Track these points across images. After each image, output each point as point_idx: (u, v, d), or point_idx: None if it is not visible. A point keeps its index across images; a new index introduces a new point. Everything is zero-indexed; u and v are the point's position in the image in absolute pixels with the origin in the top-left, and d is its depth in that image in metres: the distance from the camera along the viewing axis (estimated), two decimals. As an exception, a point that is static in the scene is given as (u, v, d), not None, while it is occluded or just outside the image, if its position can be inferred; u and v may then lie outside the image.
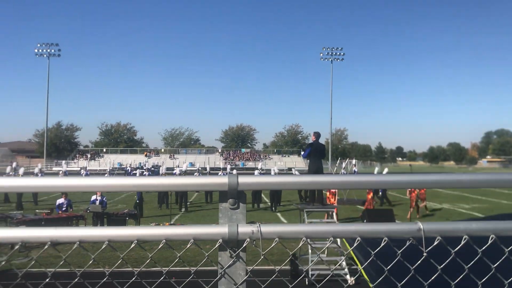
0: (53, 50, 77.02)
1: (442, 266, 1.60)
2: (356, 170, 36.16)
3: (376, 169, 32.64)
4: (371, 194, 21.21)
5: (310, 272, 10.23)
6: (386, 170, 34.70)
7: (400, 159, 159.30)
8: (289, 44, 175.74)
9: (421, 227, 1.55)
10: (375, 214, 13.02)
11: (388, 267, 1.59)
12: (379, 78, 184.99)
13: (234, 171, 31.51)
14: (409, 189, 20.76)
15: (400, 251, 1.58)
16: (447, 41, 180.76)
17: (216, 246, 1.51)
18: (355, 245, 1.52)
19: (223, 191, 1.55)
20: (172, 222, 18.66)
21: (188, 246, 1.52)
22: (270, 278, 1.68)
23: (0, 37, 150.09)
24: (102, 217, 16.07)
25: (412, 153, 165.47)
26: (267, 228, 1.51)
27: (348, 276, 10.29)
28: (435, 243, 1.55)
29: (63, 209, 16.34)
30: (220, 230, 1.51)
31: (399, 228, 1.56)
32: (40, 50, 76.93)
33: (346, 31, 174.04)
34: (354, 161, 41.56)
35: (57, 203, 16.73)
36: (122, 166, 42.48)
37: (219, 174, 26.44)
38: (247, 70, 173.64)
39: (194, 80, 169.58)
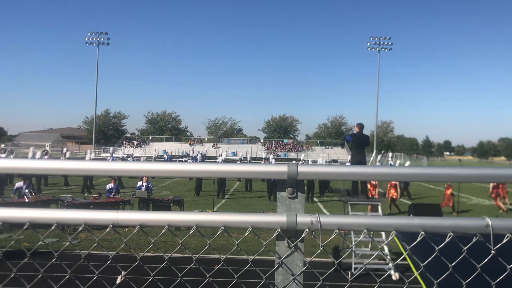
0: (102, 39, 79.18)
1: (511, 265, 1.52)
2: (391, 164, 35.38)
3: (398, 162, 31.88)
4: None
5: (353, 266, 10.12)
6: (408, 163, 33.93)
7: (447, 153, 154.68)
8: (336, 33, 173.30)
9: (490, 223, 1.47)
10: (422, 209, 12.67)
11: (453, 264, 1.53)
12: (427, 69, 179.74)
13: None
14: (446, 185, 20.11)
15: (466, 247, 1.51)
16: (500, 31, 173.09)
17: (274, 235, 1.50)
18: (418, 239, 1.47)
19: (282, 179, 1.53)
20: (214, 210, 18.90)
21: (246, 234, 1.51)
22: (326, 270, 1.65)
23: (52, 25, 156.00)
24: (148, 203, 16.47)
25: (460, 147, 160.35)
26: (326, 219, 1.48)
27: (392, 271, 10.10)
28: (504, 240, 1.47)
29: (112, 194, 16.86)
30: (278, 219, 1.49)
31: (465, 223, 1.49)
32: (90, 39, 79.27)
33: (395, 20, 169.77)
34: (390, 155, 40.69)
35: (107, 188, 17.29)
36: (167, 154, 43.46)
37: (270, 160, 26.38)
38: (292, 59, 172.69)
39: (239, 70, 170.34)
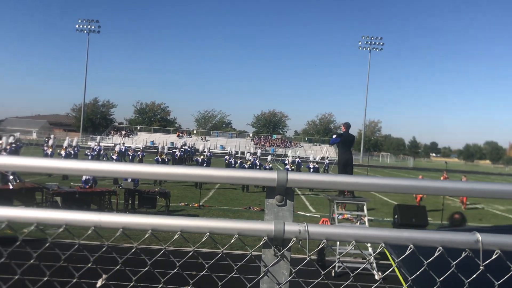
0: (93, 27, 78.40)
1: (499, 282, 1.51)
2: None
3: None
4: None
5: (336, 264, 10.16)
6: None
7: (434, 155, 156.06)
8: (328, 32, 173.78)
9: (479, 238, 1.45)
10: (407, 211, 12.75)
11: (441, 278, 1.51)
12: (417, 70, 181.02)
13: (270, 157, 31.28)
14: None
15: (455, 262, 1.49)
16: (490, 32, 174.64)
17: (261, 243, 1.46)
18: (407, 253, 1.44)
19: (271, 186, 1.50)
20: (201, 203, 18.84)
21: (231, 241, 1.48)
22: (313, 278, 1.62)
23: (43, 11, 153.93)
24: (134, 194, 16.35)
25: (447, 149, 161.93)
26: (315, 229, 1.45)
27: (375, 271, 10.16)
28: (493, 256, 1.45)
29: (89, 185, 16.42)
30: (266, 227, 1.45)
31: (455, 238, 1.47)
32: (81, 26, 78.37)
33: (386, 20, 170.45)
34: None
35: (82, 179, 16.93)
36: (155, 145, 42.93)
37: (247, 157, 26.09)
38: (283, 56, 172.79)
39: (229, 63, 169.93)
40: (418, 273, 1.50)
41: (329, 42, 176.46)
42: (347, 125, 12.02)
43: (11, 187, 14.66)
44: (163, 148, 32.02)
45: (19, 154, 26.27)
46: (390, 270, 1.78)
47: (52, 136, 34.95)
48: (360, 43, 78.55)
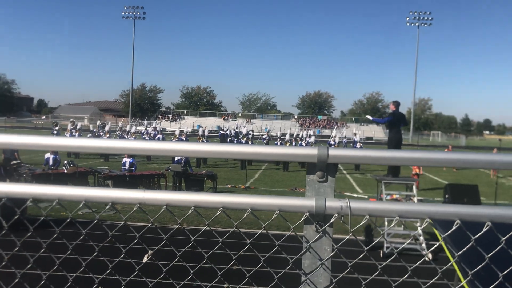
0: (138, 13, 79.80)
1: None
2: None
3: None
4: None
5: (385, 245, 10.03)
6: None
7: (487, 132, 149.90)
8: (375, 8, 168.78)
9: (533, 213, 1.38)
10: (459, 190, 12.32)
11: (490, 255, 1.45)
12: (469, 45, 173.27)
13: (313, 138, 31.23)
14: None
15: (505, 238, 1.43)
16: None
17: (302, 219, 1.46)
18: (453, 228, 1.40)
19: (312, 163, 1.48)
20: (247, 185, 19.03)
21: (273, 217, 1.48)
22: (355, 249, 1.60)
23: (89, 1, 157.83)
24: (181, 177, 16.72)
25: (501, 126, 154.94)
26: (357, 204, 1.42)
27: (424, 252, 9.95)
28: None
29: (126, 167, 16.57)
30: (307, 203, 1.44)
31: (505, 212, 1.40)
32: (127, 13, 79.94)
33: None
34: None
35: (123, 161, 17.12)
36: (201, 128, 43.43)
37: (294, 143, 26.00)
38: (328, 34, 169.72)
39: (273, 45, 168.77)
40: (465, 249, 1.45)
41: (375, 19, 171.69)
42: (397, 104, 11.75)
43: (65, 171, 15.32)
44: (203, 131, 32.66)
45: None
46: (436, 245, 1.73)
47: (107, 124, 36.26)
48: (407, 18, 76.01)
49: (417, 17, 75.18)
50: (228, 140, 37.82)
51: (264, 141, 32.28)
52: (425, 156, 1.48)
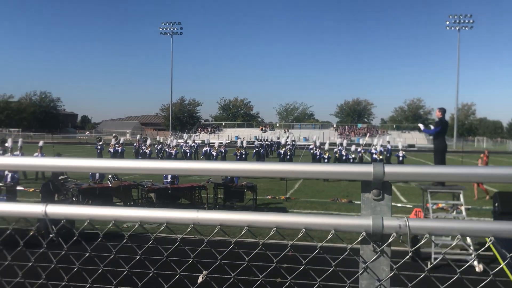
0: (175, 28, 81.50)
1: None
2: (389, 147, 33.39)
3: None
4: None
5: (432, 256, 9.71)
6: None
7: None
8: (413, 12, 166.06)
9: None
10: (509, 198, 11.82)
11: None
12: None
13: (354, 147, 30.87)
14: None
15: None
16: None
17: (359, 239, 1.42)
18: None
19: (367, 180, 1.45)
20: (287, 196, 18.93)
21: (328, 237, 1.45)
22: (408, 271, 1.55)
23: (128, 17, 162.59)
24: (222, 188, 16.81)
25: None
26: (416, 223, 1.38)
27: (475, 263, 9.57)
28: None
29: (168, 180, 16.92)
30: (363, 222, 1.41)
31: None
32: (164, 29, 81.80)
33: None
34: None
35: (164, 174, 17.35)
36: (240, 139, 43.51)
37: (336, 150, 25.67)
38: (366, 41, 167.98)
39: (310, 54, 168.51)
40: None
41: (414, 24, 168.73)
42: (443, 111, 11.47)
43: (110, 185, 15.71)
44: (241, 142, 32.81)
45: (123, 156, 28.51)
46: (499, 267, 1.65)
47: (152, 137, 37.38)
48: (447, 22, 74.34)
49: (457, 21, 73.45)
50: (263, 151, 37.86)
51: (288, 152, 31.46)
52: (487, 172, 1.42)
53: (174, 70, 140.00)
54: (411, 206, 17.09)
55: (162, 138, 33.94)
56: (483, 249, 1.58)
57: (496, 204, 13.77)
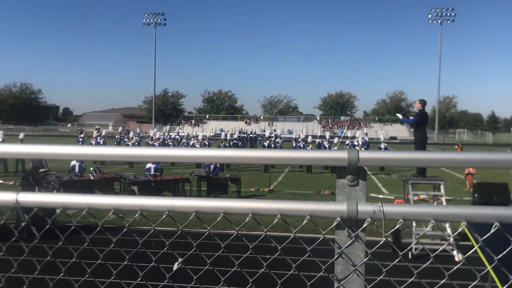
0: (159, 20, 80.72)
1: None
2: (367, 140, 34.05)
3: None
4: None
5: (413, 246, 9.85)
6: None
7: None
8: (396, 5, 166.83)
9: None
10: (488, 189, 12.00)
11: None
12: (493, 41, 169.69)
13: (336, 140, 31.09)
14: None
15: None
16: None
17: (334, 224, 1.42)
18: (492, 231, 1.34)
19: (342, 166, 1.45)
20: (271, 188, 18.99)
21: (303, 223, 1.45)
22: (389, 261, 1.56)
23: (112, 8, 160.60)
24: (206, 181, 16.78)
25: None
26: (390, 208, 1.38)
27: (455, 252, 9.74)
28: None
29: (151, 173, 16.56)
30: (338, 207, 1.41)
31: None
32: (148, 20, 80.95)
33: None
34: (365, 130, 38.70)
35: (146, 167, 17.11)
36: (224, 132, 43.30)
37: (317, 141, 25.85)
38: (347, 33, 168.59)
39: (294, 47, 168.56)
40: (505, 252, 1.40)
41: (396, 17, 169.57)
42: (423, 102, 11.56)
43: (92, 177, 15.55)
44: (225, 135, 32.87)
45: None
46: (472, 250, 1.67)
47: (134, 129, 37.07)
48: (430, 15, 74.99)
49: (439, 14, 74.12)
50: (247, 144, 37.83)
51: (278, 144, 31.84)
52: (458, 157, 1.44)
53: (158, 62, 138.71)
54: (392, 197, 17.29)
55: (140, 130, 33.83)
56: (456, 232, 1.59)
57: (476, 195, 13.99)
